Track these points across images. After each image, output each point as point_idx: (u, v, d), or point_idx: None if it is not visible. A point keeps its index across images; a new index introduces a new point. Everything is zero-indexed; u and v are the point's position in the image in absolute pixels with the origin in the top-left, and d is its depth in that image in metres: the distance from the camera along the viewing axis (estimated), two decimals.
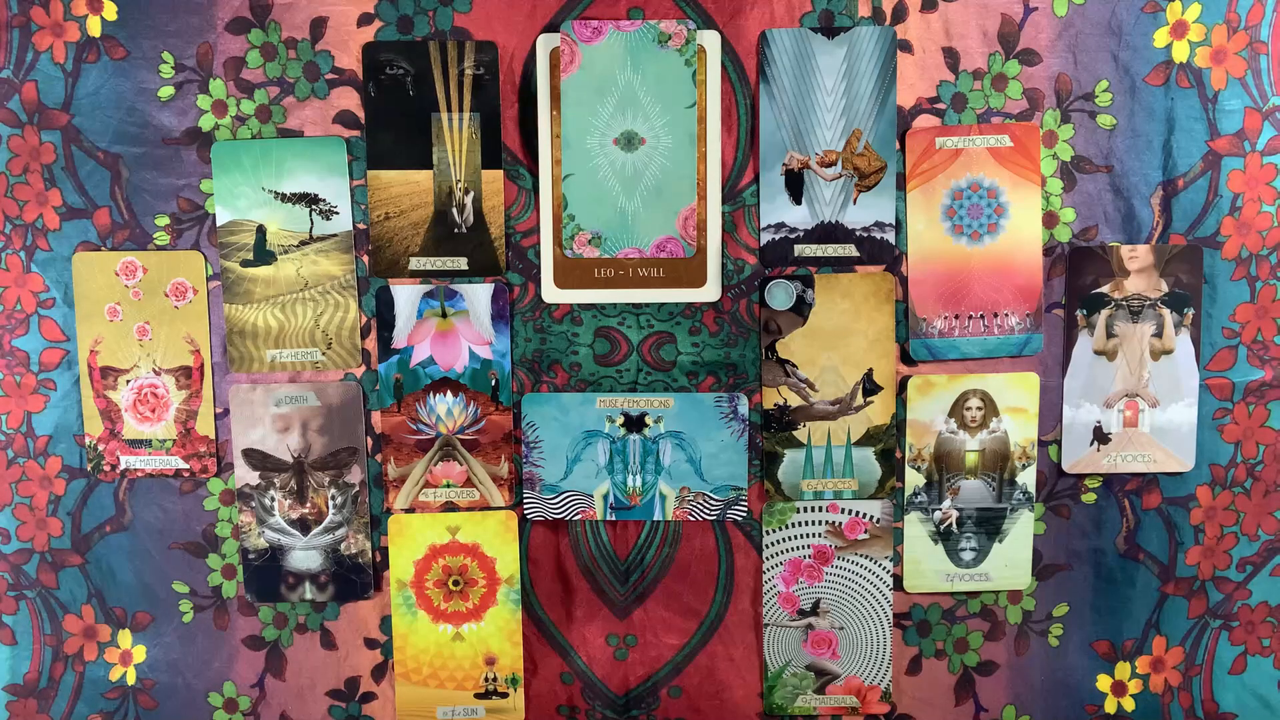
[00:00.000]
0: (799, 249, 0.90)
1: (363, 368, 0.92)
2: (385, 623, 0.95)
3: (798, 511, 0.93)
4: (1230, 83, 0.87)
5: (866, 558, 0.93)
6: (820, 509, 0.93)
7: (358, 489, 0.93)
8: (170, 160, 0.89)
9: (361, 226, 0.90)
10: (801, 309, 0.90)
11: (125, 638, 0.95)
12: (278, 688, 0.96)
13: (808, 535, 0.93)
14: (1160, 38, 0.87)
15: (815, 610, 0.94)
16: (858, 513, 0.93)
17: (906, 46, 0.87)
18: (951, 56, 0.88)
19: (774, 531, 0.93)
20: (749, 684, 0.96)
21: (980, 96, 0.88)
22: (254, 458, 0.92)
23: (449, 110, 0.88)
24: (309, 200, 0.89)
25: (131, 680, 0.96)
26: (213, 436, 0.92)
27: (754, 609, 0.95)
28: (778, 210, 0.89)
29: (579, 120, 0.87)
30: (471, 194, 0.89)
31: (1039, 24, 0.87)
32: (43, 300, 0.91)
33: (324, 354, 0.91)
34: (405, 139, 0.88)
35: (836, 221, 0.89)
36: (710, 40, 0.87)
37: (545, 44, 0.87)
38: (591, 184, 0.88)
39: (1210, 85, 0.87)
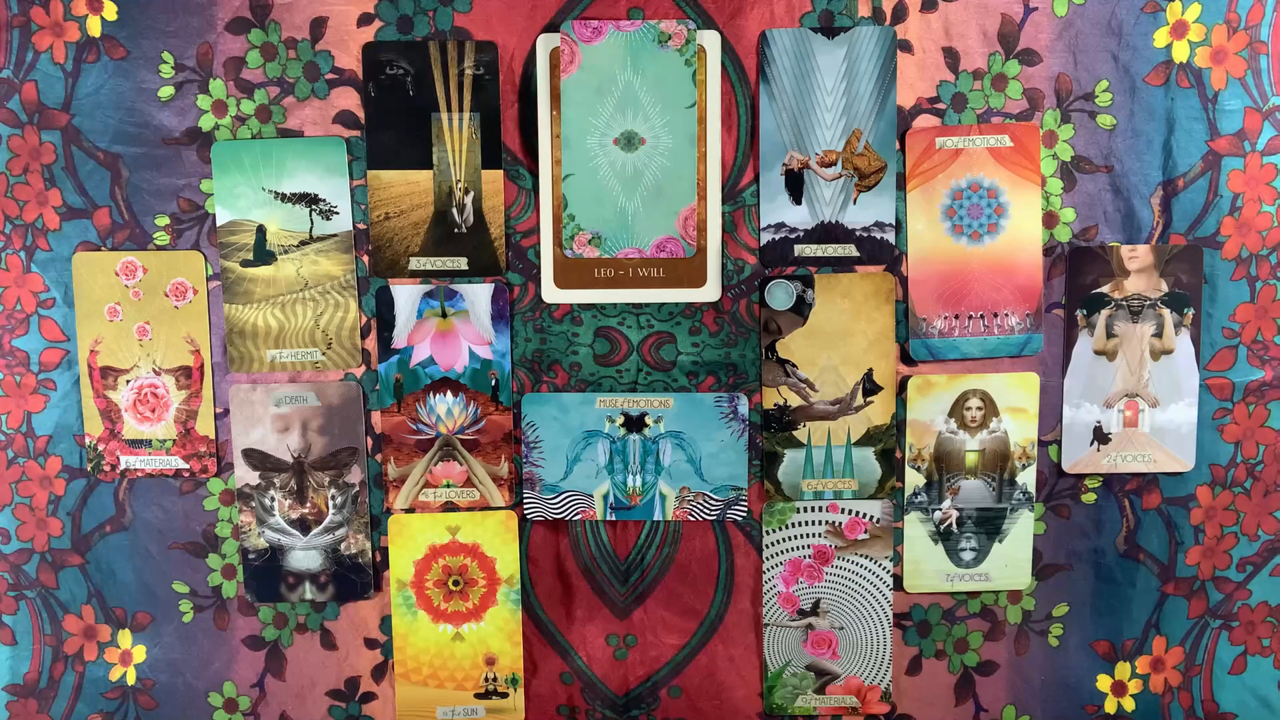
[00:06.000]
0: (799, 249, 0.90)
1: (363, 368, 0.92)
2: (385, 623, 0.95)
3: (798, 511, 0.93)
4: (1230, 83, 0.87)
5: (866, 558, 0.93)
6: (820, 509, 0.93)
7: (358, 489, 0.93)
8: (170, 160, 0.89)
9: (361, 226, 0.90)
10: (801, 309, 0.90)
11: (125, 638, 0.95)
12: (278, 688, 0.96)
13: (808, 535, 0.93)
14: (1160, 38, 0.87)
15: (815, 610, 0.94)
16: (858, 513, 0.93)
17: (906, 46, 0.87)
18: (951, 56, 0.88)
19: (774, 531, 0.93)
20: (749, 684, 0.96)
21: (980, 96, 0.88)
22: (254, 458, 0.92)
23: (449, 110, 0.88)
24: (309, 200, 0.89)
25: (131, 680, 0.96)
26: (213, 436, 0.92)
27: (754, 609, 0.95)
28: (778, 210, 0.90)
29: (579, 120, 0.87)
30: (471, 194, 0.89)
31: (1039, 24, 0.87)
32: (43, 300, 0.91)
33: (324, 354, 0.91)
34: (405, 139, 0.88)
35: (836, 221, 0.89)
36: (710, 40, 0.87)
37: (545, 44, 0.87)
38: (591, 184, 0.88)
39: (1210, 85, 0.87)
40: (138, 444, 0.92)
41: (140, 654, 0.95)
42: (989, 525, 0.93)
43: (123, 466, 0.92)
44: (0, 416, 0.92)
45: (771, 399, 0.91)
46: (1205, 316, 0.91)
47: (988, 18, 0.87)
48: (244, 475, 0.92)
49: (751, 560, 0.94)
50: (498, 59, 0.87)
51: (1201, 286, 0.90)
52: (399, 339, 0.91)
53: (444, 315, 0.91)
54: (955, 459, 0.92)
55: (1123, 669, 0.96)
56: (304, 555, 0.93)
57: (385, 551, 0.94)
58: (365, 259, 0.90)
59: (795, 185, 0.89)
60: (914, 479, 0.92)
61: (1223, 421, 0.92)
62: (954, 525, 0.93)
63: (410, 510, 0.93)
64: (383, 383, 0.91)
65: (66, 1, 0.86)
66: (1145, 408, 0.92)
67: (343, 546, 0.93)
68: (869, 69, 0.87)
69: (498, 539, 0.93)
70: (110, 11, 0.86)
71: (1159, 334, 0.91)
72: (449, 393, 0.92)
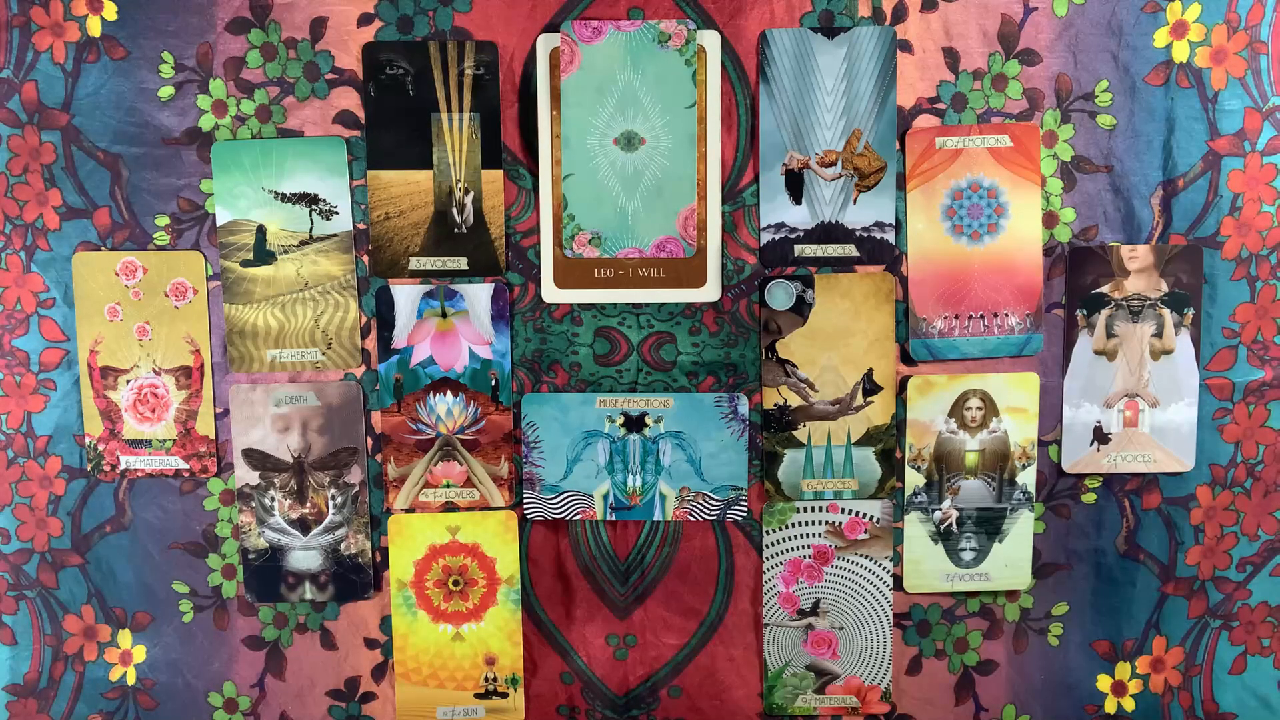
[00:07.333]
0: (799, 249, 0.90)
1: (363, 368, 0.92)
2: (385, 623, 0.95)
3: (798, 511, 0.93)
4: (1230, 83, 0.87)
5: (866, 558, 0.93)
6: (820, 509, 0.93)
7: (358, 489, 0.93)
8: (170, 160, 0.89)
9: (361, 226, 0.90)
10: (801, 309, 0.90)
11: (125, 638, 0.95)
12: (278, 688, 0.96)
13: (808, 535, 0.93)
14: (1160, 38, 0.87)
15: (815, 610, 0.94)
16: (858, 513, 0.93)
17: (906, 46, 0.87)
18: (951, 56, 0.88)
19: (774, 531, 0.93)
20: (749, 684, 0.96)
21: (980, 96, 0.88)
22: (254, 458, 0.92)
23: (449, 110, 0.88)
24: (309, 200, 0.89)
25: (131, 680, 0.96)
26: (213, 436, 0.92)
27: (754, 609, 0.95)
28: (778, 210, 0.90)
29: (579, 120, 0.87)
30: (471, 194, 0.89)
31: (1039, 24, 0.87)
32: (43, 300, 0.91)
33: (324, 354, 0.91)
34: (405, 139, 0.88)
35: (836, 221, 0.89)
36: (710, 40, 0.87)
37: (545, 44, 0.87)
38: (591, 184, 0.88)
39: (1210, 85, 0.87)
40: (138, 444, 0.92)
41: (140, 654, 0.95)
42: (989, 525, 0.93)
43: (123, 466, 0.92)
44: (0, 416, 0.92)
45: (771, 399, 0.91)
46: (1205, 316, 0.91)
47: (988, 18, 0.87)
48: (244, 475, 0.92)
49: (751, 560, 0.94)
50: (498, 59, 0.87)
51: (1201, 286, 0.90)
52: (399, 339, 0.91)
53: (444, 315, 0.91)
54: (955, 459, 0.92)
55: (1123, 669, 0.96)
56: (304, 555, 0.93)
57: (385, 551, 0.94)
58: (365, 259, 0.90)
59: (795, 185, 0.89)
60: (914, 479, 0.92)
61: (1223, 421, 0.92)
62: (954, 525, 0.93)
63: (410, 510, 0.93)
64: (383, 383, 0.91)
65: (66, 1, 0.86)
66: (1145, 408, 0.92)
67: (343, 546, 0.93)
68: (869, 69, 0.87)
69: (498, 539, 0.93)
70: (110, 11, 0.86)
71: (1159, 334, 0.91)
72: (449, 393, 0.92)
